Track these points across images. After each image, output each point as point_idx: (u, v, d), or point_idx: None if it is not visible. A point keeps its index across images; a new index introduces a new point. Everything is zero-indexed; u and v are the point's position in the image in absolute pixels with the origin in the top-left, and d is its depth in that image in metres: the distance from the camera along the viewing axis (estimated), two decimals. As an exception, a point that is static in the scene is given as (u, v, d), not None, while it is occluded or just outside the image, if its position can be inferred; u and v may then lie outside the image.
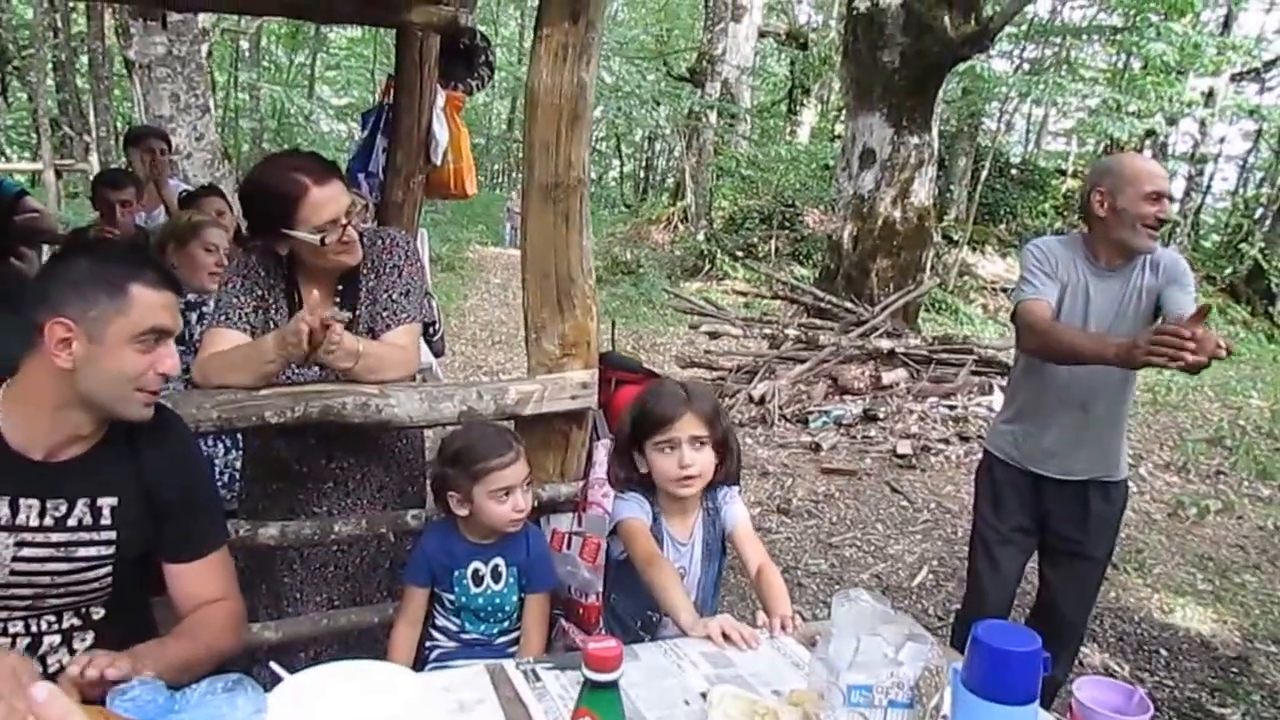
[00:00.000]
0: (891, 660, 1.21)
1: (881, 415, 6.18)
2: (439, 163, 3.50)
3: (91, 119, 15.91)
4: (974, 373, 6.79)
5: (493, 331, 10.07)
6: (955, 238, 13.01)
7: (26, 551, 1.38)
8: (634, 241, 15.93)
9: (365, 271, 2.05)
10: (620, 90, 16.17)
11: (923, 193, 8.50)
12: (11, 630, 1.42)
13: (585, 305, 2.21)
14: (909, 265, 8.48)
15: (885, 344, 7.00)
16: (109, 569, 1.46)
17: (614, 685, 1.08)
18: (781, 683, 1.44)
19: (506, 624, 1.94)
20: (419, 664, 1.89)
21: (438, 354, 3.73)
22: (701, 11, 18.36)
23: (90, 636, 1.49)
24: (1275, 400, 7.25)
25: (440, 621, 1.94)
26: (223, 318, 1.98)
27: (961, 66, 9.45)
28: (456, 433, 1.98)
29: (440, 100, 3.43)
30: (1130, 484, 2.60)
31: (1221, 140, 18.62)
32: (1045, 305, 2.35)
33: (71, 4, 14.88)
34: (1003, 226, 14.48)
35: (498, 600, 1.90)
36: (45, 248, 4.21)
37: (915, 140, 8.32)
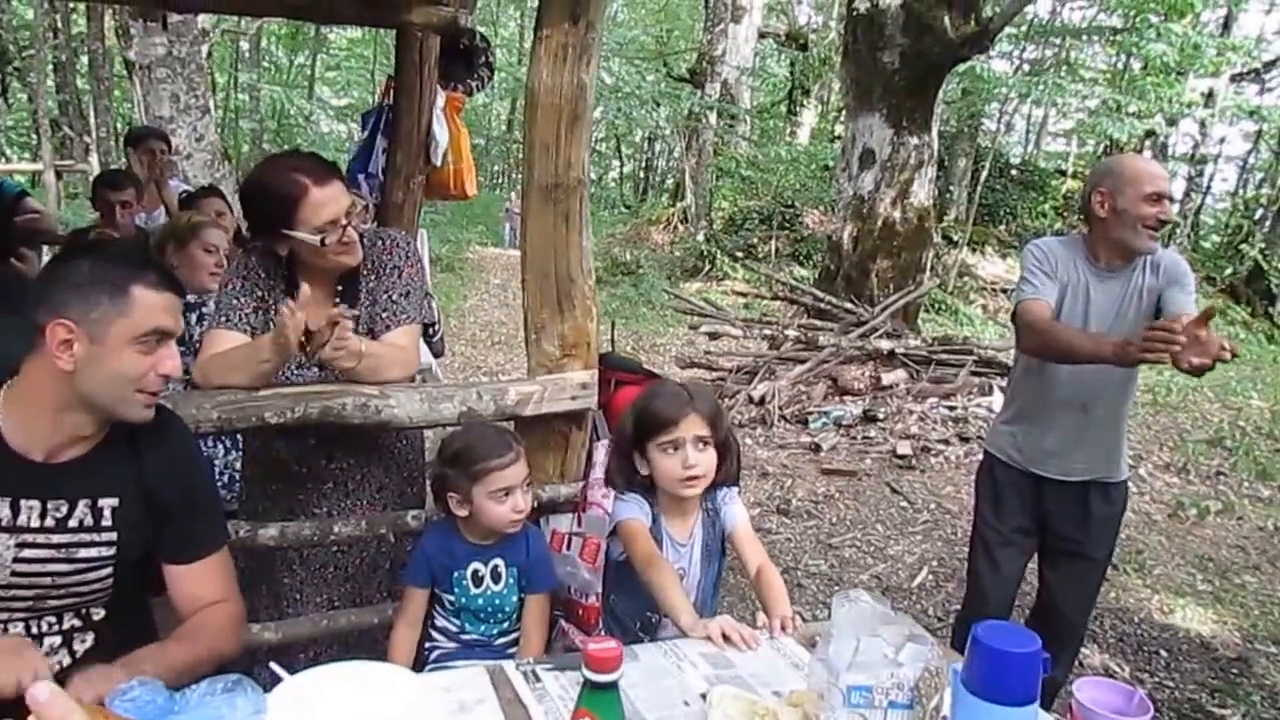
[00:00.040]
0: (891, 661, 1.21)
1: (881, 416, 6.18)
2: (439, 163, 3.50)
3: (92, 120, 15.91)
4: (974, 373, 6.79)
5: (492, 332, 10.07)
6: (955, 238, 13.01)
7: (28, 553, 1.38)
8: (634, 242, 15.93)
9: (365, 272, 2.05)
10: (620, 91, 16.19)
11: (922, 193, 8.51)
12: (12, 631, 1.42)
13: (585, 306, 2.21)
14: (909, 266, 8.49)
15: (885, 345, 7.00)
16: (110, 570, 1.46)
17: (614, 686, 1.08)
18: (781, 683, 1.44)
19: (506, 625, 1.94)
20: (419, 665, 1.89)
21: (437, 355, 3.73)
22: (701, 12, 18.37)
23: (90, 637, 1.49)
24: (1275, 401, 7.24)
25: (440, 622, 1.94)
26: (223, 319, 1.99)
27: (961, 67, 9.46)
28: (456, 433, 1.98)
29: (440, 101, 3.43)
30: (1130, 485, 2.60)
31: (1221, 141, 18.68)
32: (1045, 305, 2.35)
33: (72, 5, 14.88)
34: (1002, 227, 14.48)
35: (497, 601, 1.90)
36: (45, 248, 4.21)
37: (915, 141, 8.32)
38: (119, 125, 16.42)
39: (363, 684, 1.31)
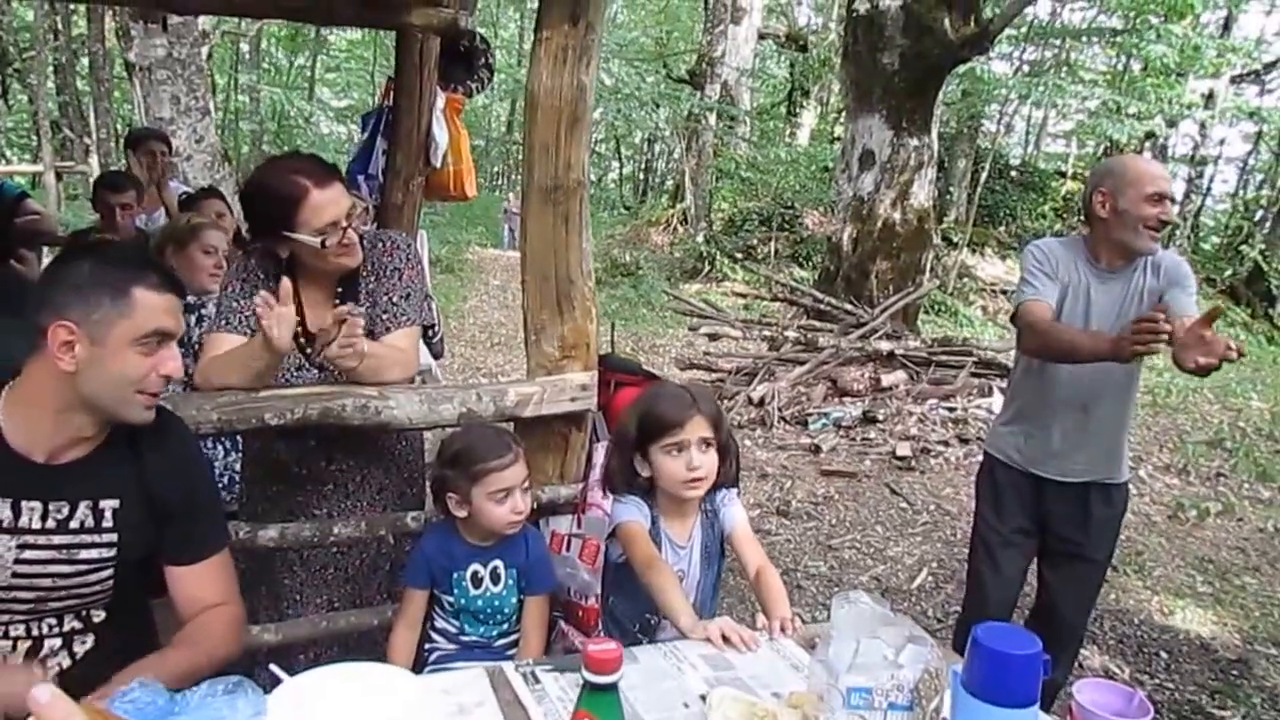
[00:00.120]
0: (891, 663, 1.22)
1: (881, 417, 6.18)
2: (439, 165, 3.50)
3: (92, 121, 15.93)
4: (973, 375, 6.80)
5: (492, 333, 10.07)
6: (955, 240, 13.01)
7: (29, 554, 1.38)
8: (633, 243, 15.93)
9: (365, 274, 2.05)
10: (620, 92, 16.18)
11: (922, 195, 8.51)
12: (13, 633, 1.43)
13: (585, 307, 2.21)
14: (908, 267, 8.49)
15: (885, 346, 7.00)
16: (110, 571, 1.46)
17: (613, 688, 1.08)
18: (781, 685, 1.44)
19: (506, 626, 1.93)
20: (418, 666, 1.89)
21: (437, 356, 3.73)
22: (701, 14, 18.39)
23: (91, 639, 1.49)
24: (1275, 402, 7.25)
25: (439, 623, 1.94)
26: (223, 322, 1.99)
27: (961, 68, 9.47)
28: (456, 434, 1.98)
29: (440, 102, 3.43)
30: (1130, 486, 2.60)
31: (1221, 142, 18.66)
32: (1046, 306, 2.35)
33: (72, 6, 14.90)
34: (1002, 228, 14.48)
35: (497, 602, 1.90)
36: (46, 250, 4.21)
37: (915, 142, 8.33)
38: (119, 127, 16.44)
39: (362, 685, 1.31)
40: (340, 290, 2.03)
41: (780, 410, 6.39)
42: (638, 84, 16.93)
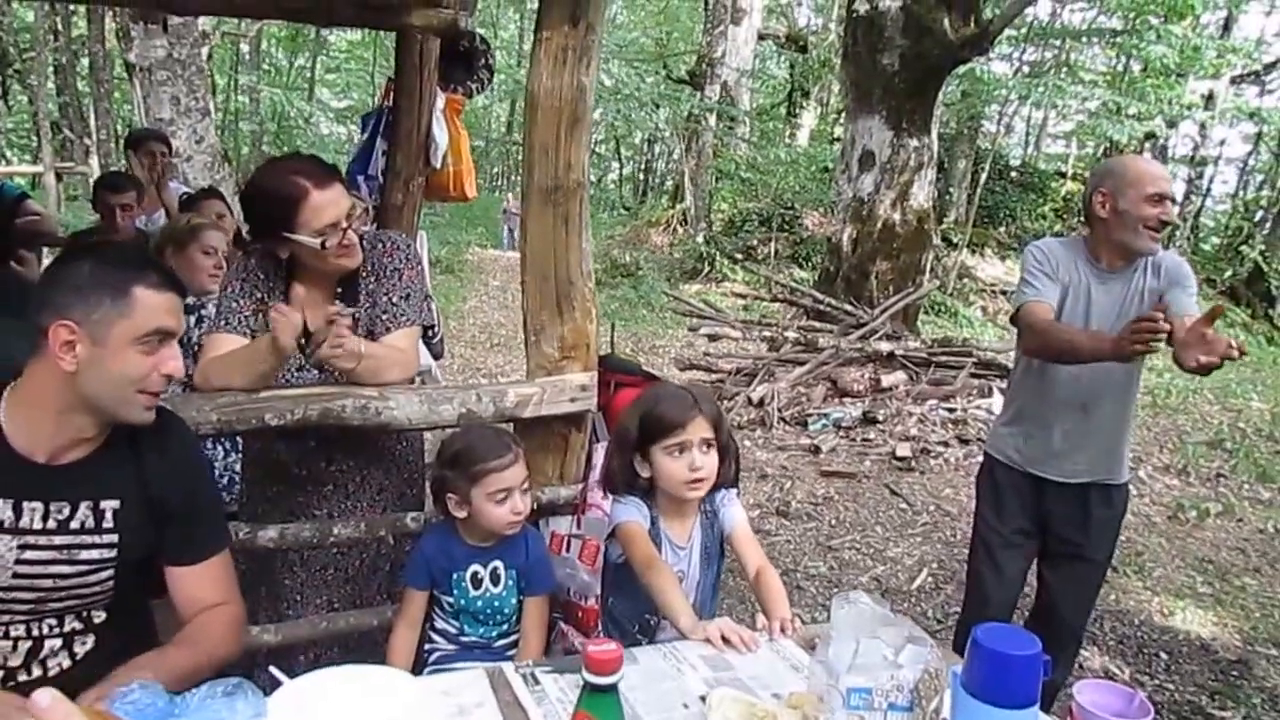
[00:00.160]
0: (891, 663, 1.22)
1: (881, 418, 6.18)
2: (438, 165, 3.50)
3: (92, 122, 15.95)
4: (973, 375, 6.80)
5: (491, 334, 10.07)
6: (955, 240, 13.01)
7: (30, 554, 1.38)
8: (633, 244, 15.93)
9: (365, 274, 2.05)
10: (620, 93, 16.18)
11: (922, 195, 8.51)
12: (13, 634, 1.43)
13: (584, 308, 2.21)
14: (908, 268, 8.49)
15: (884, 346, 7.00)
16: (111, 572, 1.46)
17: (613, 688, 1.08)
18: (781, 686, 1.44)
19: (505, 627, 1.93)
20: (418, 667, 1.89)
21: (437, 357, 3.72)
22: (701, 14, 18.40)
23: (91, 640, 1.49)
24: (1275, 403, 7.24)
25: (439, 624, 1.94)
26: (223, 322, 1.99)
27: (961, 69, 9.47)
28: (455, 434, 1.98)
29: (440, 103, 3.44)
30: (1130, 487, 2.60)
31: (1221, 143, 18.68)
32: (1047, 307, 2.35)
33: (72, 7, 14.91)
34: (1002, 229, 14.49)
35: (496, 603, 1.90)
36: (45, 251, 4.20)
37: (915, 143, 8.33)
38: (119, 127, 16.46)
39: (362, 687, 1.31)
40: (340, 291, 2.03)
41: (780, 411, 6.39)
42: (638, 85, 16.91)
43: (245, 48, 21.17)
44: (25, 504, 1.38)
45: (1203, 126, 16.19)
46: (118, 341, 1.36)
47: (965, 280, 12.81)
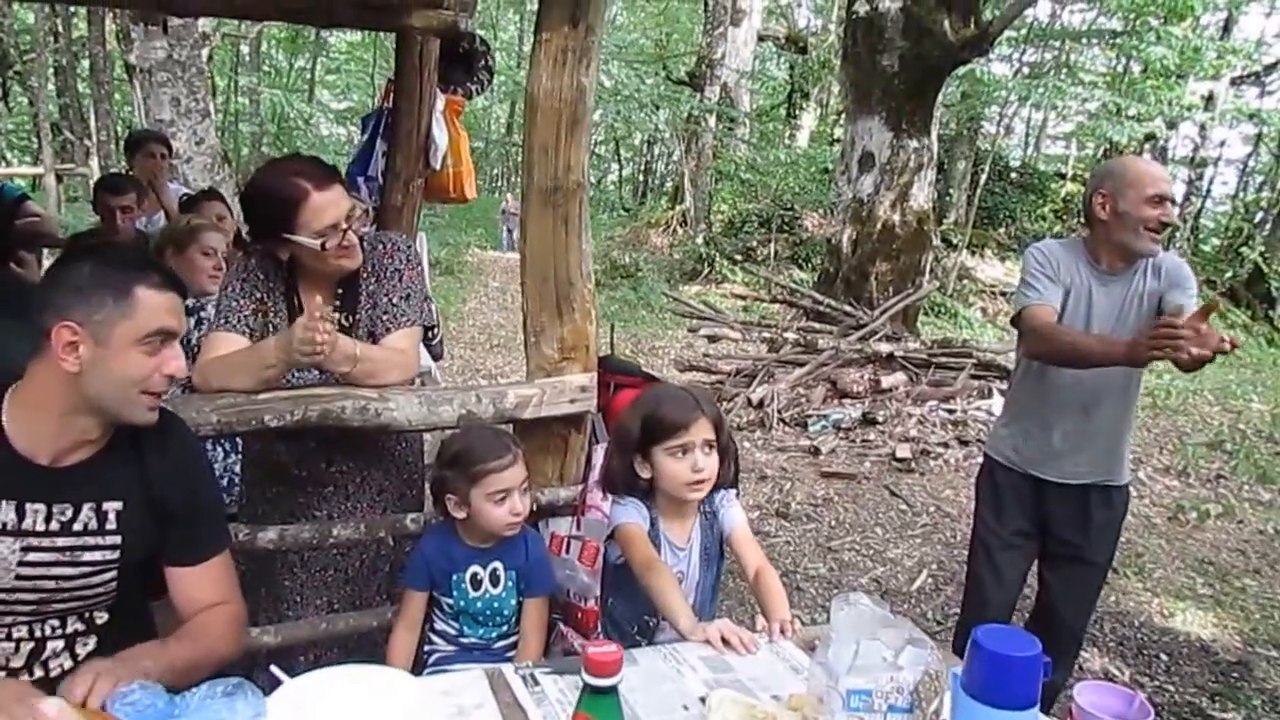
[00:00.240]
0: (891, 665, 1.22)
1: (880, 419, 6.18)
2: (438, 167, 3.50)
3: (92, 123, 15.95)
4: (973, 376, 6.80)
5: (491, 335, 10.08)
6: (954, 241, 13.02)
7: (33, 556, 1.38)
8: (633, 245, 15.95)
9: (365, 275, 2.05)
10: (620, 94, 16.20)
11: (922, 196, 8.51)
12: (15, 635, 1.43)
13: (584, 309, 2.21)
14: (908, 269, 8.50)
15: (884, 348, 7.00)
16: (113, 573, 1.46)
17: (613, 690, 1.08)
18: (780, 687, 1.44)
19: (505, 628, 1.93)
20: (417, 668, 1.89)
21: (437, 358, 3.73)
22: (701, 15, 18.41)
23: (93, 641, 1.50)
24: (1275, 404, 7.24)
25: (439, 625, 1.94)
26: (222, 321, 1.99)
27: (961, 70, 9.48)
28: (455, 435, 1.98)
29: (440, 104, 3.44)
30: (1130, 488, 2.60)
31: (1221, 144, 18.66)
32: (1049, 310, 2.35)
33: (72, 9, 14.90)
34: (1002, 230, 14.50)
35: (496, 604, 1.90)
36: (46, 252, 4.20)
37: (914, 144, 8.33)
38: (119, 129, 16.46)
39: (362, 687, 1.31)
40: (340, 292, 2.04)
41: (780, 412, 6.39)
42: (637, 86, 16.94)
43: (245, 49, 21.20)
44: (28, 506, 1.38)
45: (1203, 128, 16.19)
46: (120, 342, 1.36)
47: (965, 281, 12.82)
